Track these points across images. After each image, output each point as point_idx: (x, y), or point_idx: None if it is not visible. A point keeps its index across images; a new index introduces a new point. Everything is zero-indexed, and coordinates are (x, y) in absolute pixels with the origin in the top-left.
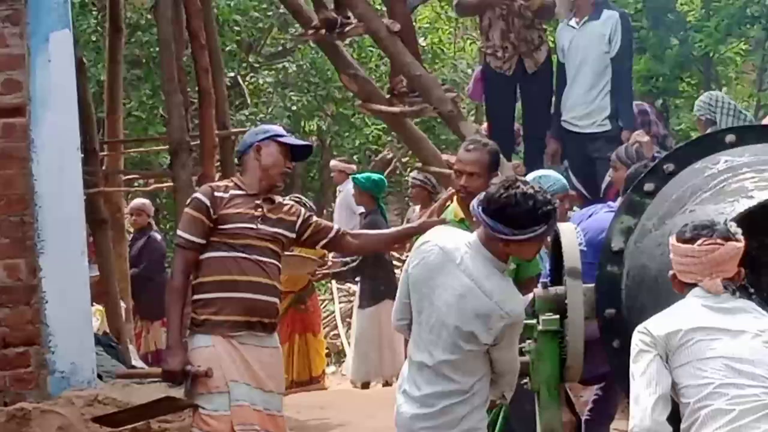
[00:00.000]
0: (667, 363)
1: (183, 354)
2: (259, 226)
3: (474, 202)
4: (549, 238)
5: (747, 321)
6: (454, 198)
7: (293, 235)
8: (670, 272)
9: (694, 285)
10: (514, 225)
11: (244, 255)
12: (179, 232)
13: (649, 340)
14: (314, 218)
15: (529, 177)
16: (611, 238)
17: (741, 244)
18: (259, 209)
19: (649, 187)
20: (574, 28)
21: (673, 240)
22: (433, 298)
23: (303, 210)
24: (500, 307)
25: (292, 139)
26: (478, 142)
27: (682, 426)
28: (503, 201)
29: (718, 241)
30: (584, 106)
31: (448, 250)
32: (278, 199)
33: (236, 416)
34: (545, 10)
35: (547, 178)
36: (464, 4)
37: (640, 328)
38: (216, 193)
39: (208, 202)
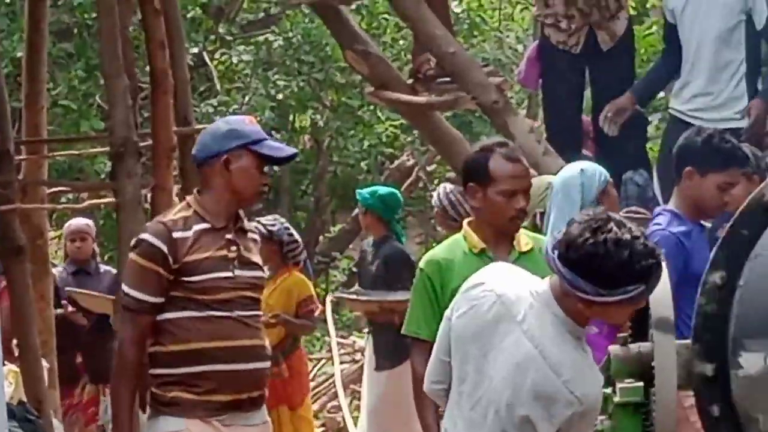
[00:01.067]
0: None
1: None
2: (236, 273)
3: (548, 243)
4: None
5: None
6: (465, 223)
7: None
8: None
9: None
10: (602, 282)
11: (222, 313)
12: (126, 290)
13: None
14: None
15: (569, 174)
16: (714, 266)
17: None
18: (233, 248)
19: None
20: None
21: None
22: (483, 365)
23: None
24: (570, 389)
25: (274, 147)
26: (511, 147)
27: None
28: (588, 248)
29: None
30: (710, 98)
31: (509, 300)
32: (249, 227)
33: None
34: None
35: (591, 165)
36: None
37: None
38: (174, 234)
39: (165, 248)
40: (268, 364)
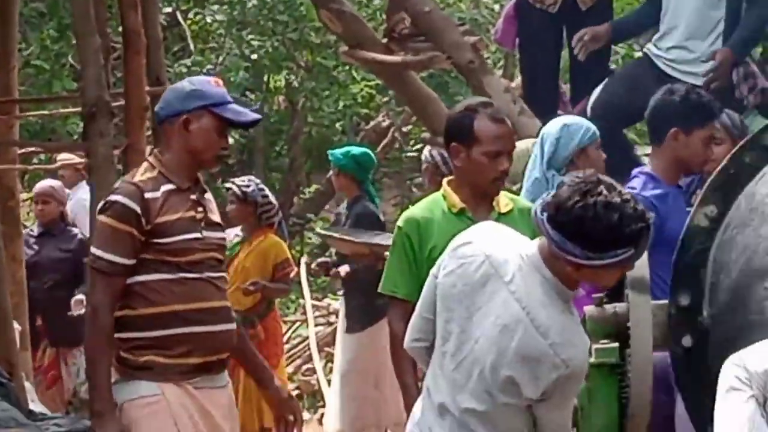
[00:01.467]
0: (765, 410)
1: (118, 422)
2: (204, 234)
3: (537, 206)
4: None
5: None
6: (444, 182)
7: None
8: None
9: None
10: (591, 246)
11: (193, 275)
12: (99, 252)
13: (746, 375)
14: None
15: (551, 126)
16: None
17: None
18: (200, 209)
19: (751, 157)
20: None
21: None
22: (469, 325)
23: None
24: (556, 352)
25: (237, 111)
26: (496, 108)
27: None
28: (577, 211)
29: None
30: (686, 52)
31: (497, 261)
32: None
33: None
34: None
35: (578, 123)
36: None
37: (733, 358)
38: (147, 194)
39: (138, 209)
40: (234, 325)
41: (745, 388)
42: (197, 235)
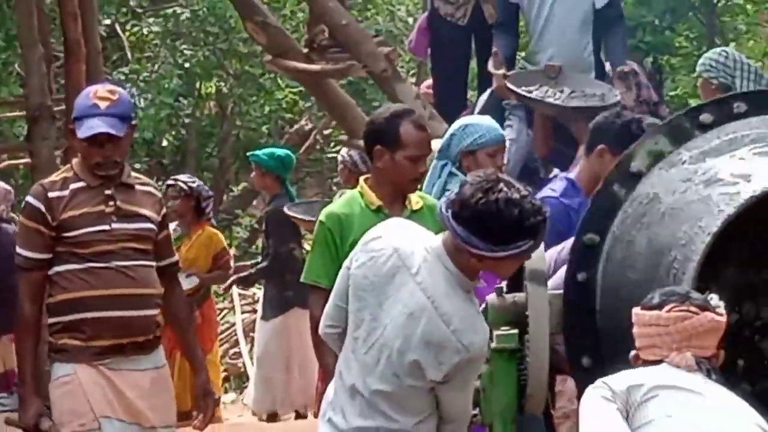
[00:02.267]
0: (628, 420)
1: (38, 403)
2: (113, 226)
3: (442, 204)
4: None
5: (718, 391)
6: (361, 180)
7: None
8: (632, 353)
9: (660, 362)
10: (494, 239)
11: (100, 264)
12: (18, 250)
13: (609, 394)
14: (166, 231)
15: (453, 127)
16: (584, 233)
17: (722, 318)
18: (111, 203)
19: (636, 166)
20: None
21: (636, 309)
22: (379, 313)
23: (163, 210)
24: (458, 338)
25: (86, 126)
26: (419, 115)
27: None
28: (480, 208)
29: (692, 309)
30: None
31: (405, 254)
32: (139, 182)
33: None
34: None
35: (477, 126)
36: None
37: (596, 383)
38: (51, 193)
39: (42, 207)
40: (153, 311)
41: (610, 404)
42: (105, 227)
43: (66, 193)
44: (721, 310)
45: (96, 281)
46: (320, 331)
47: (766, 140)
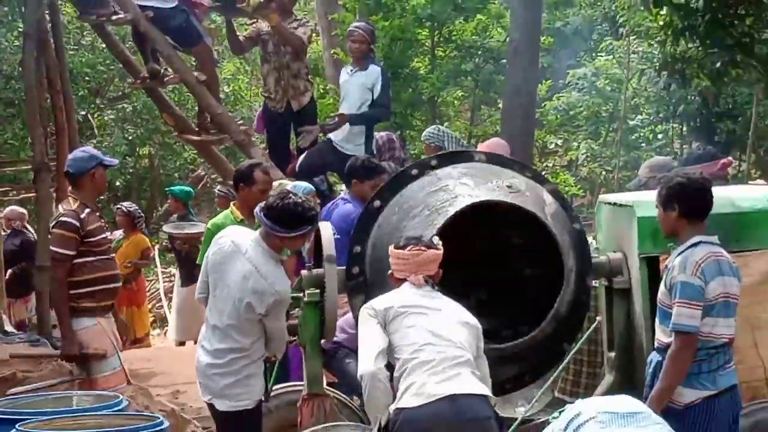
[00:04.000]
0: (385, 329)
1: (77, 339)
2: (106, 234)
3: (257, 209)
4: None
5: (442, 303)
6: (231, 205)
7: None
8: (389, 271)
9: (405, 280)
10: (288, 226)
11: (105, 257)
12: (57, 249)
13: (373, 312)
14: None
15: (288, 186)
16: (356, 235)
17: (440, 251)
18: (102, 221)
19: (388, 195)
20: (349, 75)
21: (391, 248)
22: (225, 278)
23: None
24: (272, 287)
25: (110, 160)
26: (264, 165)
27: (396, 374)
28: (280, 208)
29: (422, 248)
30: (346, 133)
31: (238, 243)
32: None
33: (120, 378)
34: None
35: (298, 187)
36: (232, 48)
37: (366, 305)
38: (81, 215)
39: (77, 224)
40: (120, 283)
41: (372, 319)
42: (105, 235)
43: (84, 215)
44: (440, 246)
45: (103, 267)
46: (196, 297)
47: (462, 177)
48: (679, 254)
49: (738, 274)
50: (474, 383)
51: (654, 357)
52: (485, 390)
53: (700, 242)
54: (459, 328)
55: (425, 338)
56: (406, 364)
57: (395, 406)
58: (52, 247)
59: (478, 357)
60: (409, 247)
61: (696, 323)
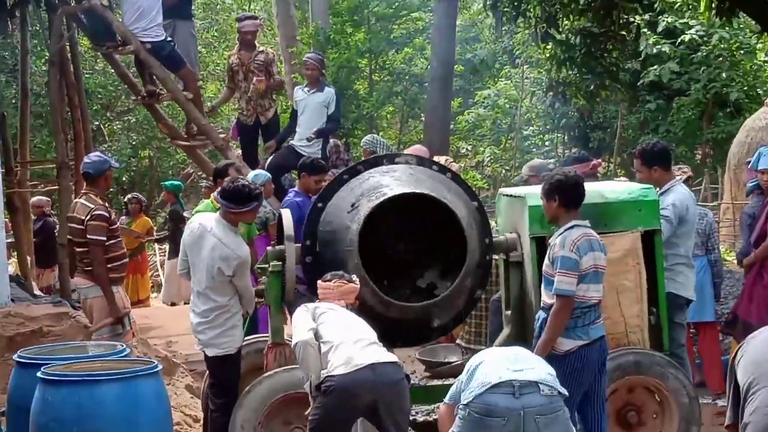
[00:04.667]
0: (314, 321)
1: (122, 303)
2: (116, 223)
3: (214, 193)
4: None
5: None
6: (212, 195)
7: None
8: (318, 296)
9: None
10: (239, 203)
11: (119, 239)
12: (95, 236)
13: (305, 309)
14: None
15: (251, 175)
16: (310, 221)
17: (357, 286)
18: (113, 211)
19: (327, 197)
20: (305, 93)
21: (319, 282)
22: (199, 253)
23: None
24: (236, 253)
25: (116, 164)
26: (238, 165)
27: (324, 352)
28: (231, 190)
29: (344, 281)
30: (306, 140)
31: (203, 224)
32: None
33: (130, 335)
34: (275, 87)
35: (258, 175)
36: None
37: (301, 306)
38: (109, 209)
39: (107, 215)
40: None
41: (306, 313)
42: (119, 224)
43: (109, 209)
44: (356, 282)
45: (118, 247)
46: (178, 273)
47: (387, 174)
48: (559, 235)
49: (604, 249)
50: (386, 354)
51: (540, 314)
52: (395, 358)
53: (575, 225)
54: (366, 325)
55: (345, 326)
56: (332, 344)
57: (328, 374)
58: (90, 236)
59: None
60: (333, 281)
61: (572, 288)
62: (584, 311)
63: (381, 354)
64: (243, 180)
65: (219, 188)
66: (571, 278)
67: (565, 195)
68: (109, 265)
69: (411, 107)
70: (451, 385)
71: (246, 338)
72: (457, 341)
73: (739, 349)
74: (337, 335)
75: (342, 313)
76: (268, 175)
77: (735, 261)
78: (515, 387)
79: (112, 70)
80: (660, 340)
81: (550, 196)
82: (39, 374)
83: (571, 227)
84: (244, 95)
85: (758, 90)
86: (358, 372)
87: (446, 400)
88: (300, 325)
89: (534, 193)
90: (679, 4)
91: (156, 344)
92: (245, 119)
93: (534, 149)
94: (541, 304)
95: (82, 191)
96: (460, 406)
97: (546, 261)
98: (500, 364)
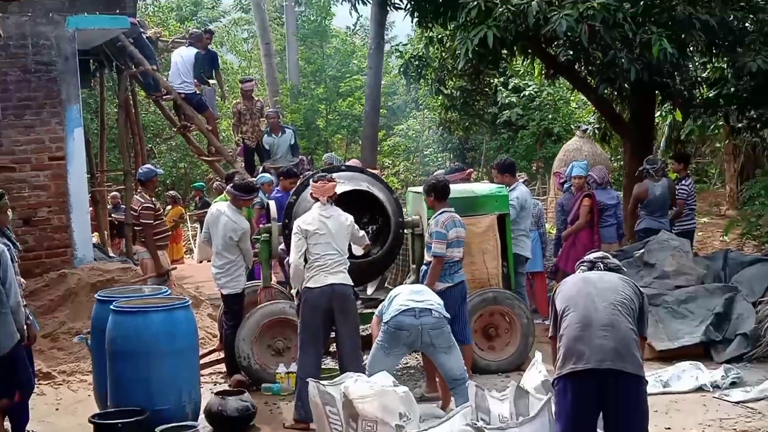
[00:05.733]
0: (306, 240)
1: (167, 264)
2: (161, 210)
3: (228, 187)
4: (265, 208)
5: (335, 220)
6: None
7: None
8: (310, 193)
9: (317, 200)
10: (246, 192)
11: (162, 221)
12: (147, 221)
13: (298, 230)
14: None
15: (260, 177)
16: (287, 209)
17: (335, 183)
18: (159, 204)
19: (299, 193)
20: (273, 137)
21: (311, 181)
22: (216, 226)
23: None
24: (240, 225)
25: (160, 171)
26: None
27: (307, 265)
28: (242, 184)
29: (326, 181)
30: (284, 161)
31: (219, 208)
32: None
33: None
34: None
35: (264, 177)
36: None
37: (296, 224)
38: (155, 202)
39: (154, 206)
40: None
41: (299, 234)
42: (161, 211)
43: (155, 202)
44: (335, 181)
45: (162, 227)
46: (202, 240)
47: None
48: (434, 218)
49: (464, 226)
50: (344, 277)
51: (423, 268)
52: (348, 279)
53: (444, 211)
54: (343, 240)
55: (326, 249)
56: (313, 263)
57: (304, 286)
58: (142, 220)
59: (355, 240)
60: (320, 182)
61: (443, 251)
62: (450, 265)
63: (339, 277)
64: (249, 179)
65: (230, 185)
66: (442, 245)
67: (437, 192)
68: (155, 238)
69: (353, 135)
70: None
71: (247, 283)
72: (386, 285)
73: (557, 287)
74: (318, 257)
75: (326, 232)
76: (271, 178)
77: (554, 233)
78: (416, 311)
79: (159, 111)
80: (509, 283)
81: (428, 193)
82: (111, 307)
83: (442, 213)
84: (249, 122)
85: (571, 126)
86: (322, 288)
87: (377, 313)
88: (294, 248)
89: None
90: (521, 71)
91: (188, 287)
92: (249, 143)
93: (431, 163)
94: (424, 261)
95: (138, 190)
96: (383, 323)
97: (426, 234)
98: (407, 296)
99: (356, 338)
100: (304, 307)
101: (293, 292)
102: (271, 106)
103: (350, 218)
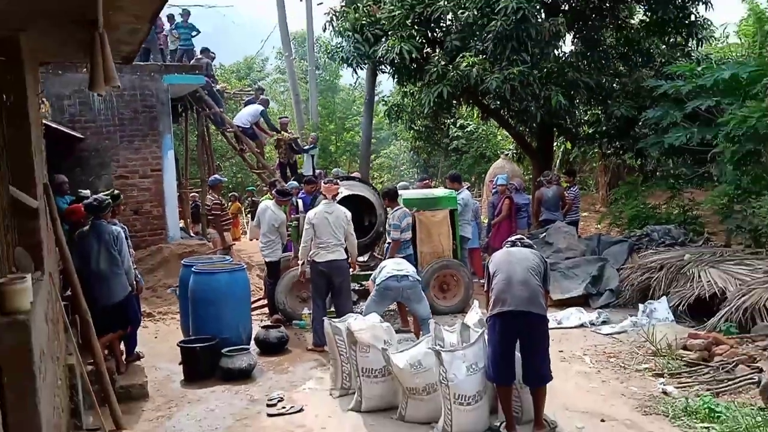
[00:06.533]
0: (313, 228)
1: (228, 241)
2: (225, 205)
3: (273, 191)
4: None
5: (335, 213)
6: (269, 193)
7: None
8: (322, 192)
9: (325, 196)
10: (284, 195)
11: (225, 212)
12: (217, 212)
13: (309, 220)
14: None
15: (290, 184)
16: (307, 206)
17: (337, 187)
18: (223, 201)
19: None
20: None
21: (322, 183)
22: (264, 216)
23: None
24: (279, 217)
25: (224, 179)
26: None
27: (314, 243)
28: (281, 190)
29: (333, 184)
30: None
31: (266, 204)
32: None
33: (232, 254)
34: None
35: (292, 184)
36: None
37: (308, 216)
38: (222, 200)
39: (221, 203)
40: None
41: (310, 224)
42: (225, 206)
43: (221, 200)
44: (338, 183)
45: (228, 216)
46: (253, 225)
47: (342, 185)
48: (391, 213)
49: (411, 216)
50: (341, 254)
51: (385, 246)
52: (344, 255)
53: (398, 208)
54: (340, 228)
55: (328, 232)
56: (317, 241)
57: (313, 259)
58: (214, 212)
59: (347, 236)
60: (329, 183)
61: (398, 236)
62: (405, 244)
63: (336, 254)
64: (285, 186)
65: (273, 190)
66: (397, 232)
67: (389, 196)
68: (221, 223)
69: (353, 157)
70: (369, 274)
71: (282, 254)
72: (374, 254)
73: (489, 258)
74: (321, 239)
75: (329, 219)
76: (297, 184)
77: (486, 222)
78: (398, 277)
79: (225, 140)
80: (456, 255)
81: (384, 197)
82: (193, 269)
83: (396, 210)
84: (283, 152)
85: (498, 151)
86: (324, 262)
87: (371, 279)
88: (305, 234)
89: (403, 194)
90: (465, 115)
91: (242, 257)
92: (283, 161)
93: (405, 176)
94: (386, 243)
95: (209, 192)
96: (375, 286)
97: (387, 224)
98: (392, 266)
99: (347, 292)
100: (313, 274)
101: (299, 263)
102: (299, 137)
103: (348, 214)
